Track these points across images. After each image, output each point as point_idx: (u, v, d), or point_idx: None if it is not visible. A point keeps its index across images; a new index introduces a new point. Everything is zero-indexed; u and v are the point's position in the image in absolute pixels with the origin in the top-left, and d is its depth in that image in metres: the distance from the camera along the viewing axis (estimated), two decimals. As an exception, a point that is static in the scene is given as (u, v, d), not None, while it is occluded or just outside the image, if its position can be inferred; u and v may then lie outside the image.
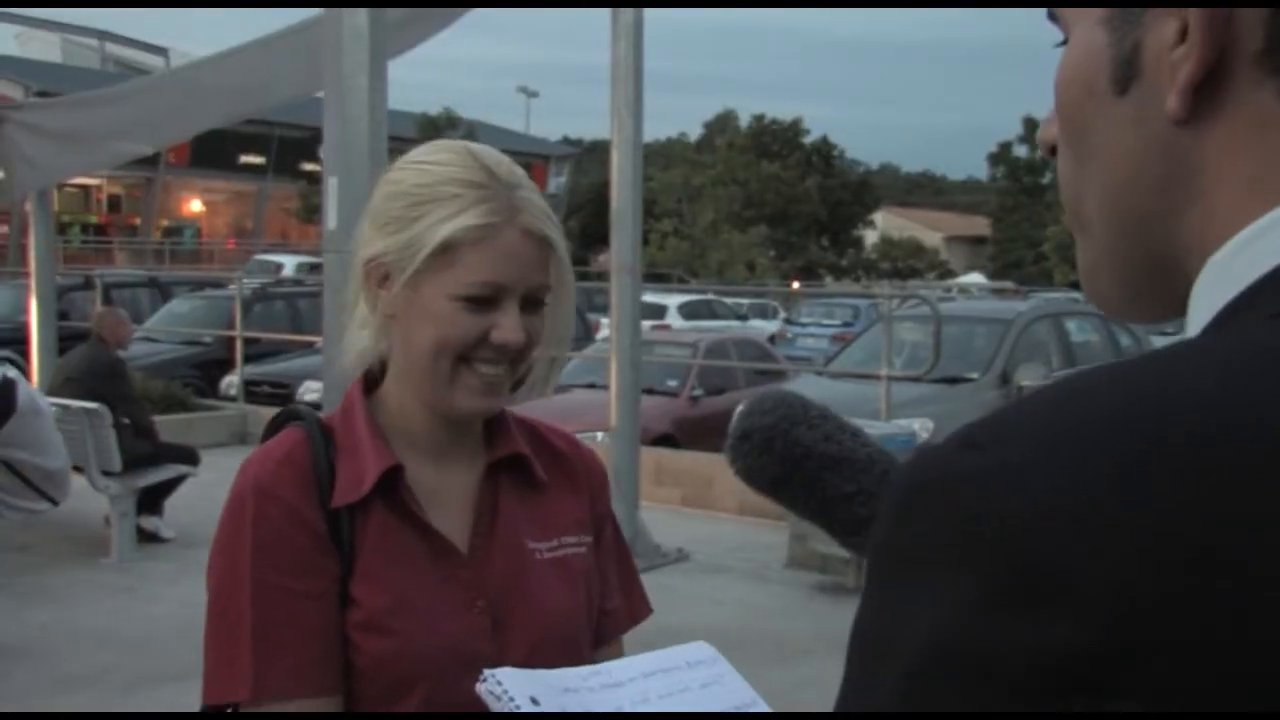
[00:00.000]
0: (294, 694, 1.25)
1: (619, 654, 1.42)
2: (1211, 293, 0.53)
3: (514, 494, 1.41)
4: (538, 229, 1.32)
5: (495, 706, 1.10)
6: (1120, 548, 0.43)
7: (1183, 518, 0.43)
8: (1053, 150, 0.61)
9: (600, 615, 1.44)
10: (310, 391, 10.78)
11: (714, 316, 21.73)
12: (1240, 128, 0.52)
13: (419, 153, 1.36)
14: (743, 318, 23.32)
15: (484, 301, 1.29)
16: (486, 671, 1.12)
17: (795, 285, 33.88)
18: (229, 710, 1.29)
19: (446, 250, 1.28)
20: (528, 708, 1.09)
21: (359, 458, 1.32)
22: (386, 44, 4.80)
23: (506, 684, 1.11)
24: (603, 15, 6.95)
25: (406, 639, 1.28)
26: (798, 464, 0.92)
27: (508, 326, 1.30)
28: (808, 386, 9.43)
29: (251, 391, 11.86)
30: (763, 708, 1.21)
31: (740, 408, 1.05)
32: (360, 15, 4.57)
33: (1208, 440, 0.44)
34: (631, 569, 1.54)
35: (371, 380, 1.40)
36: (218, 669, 1.27)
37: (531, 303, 1.33)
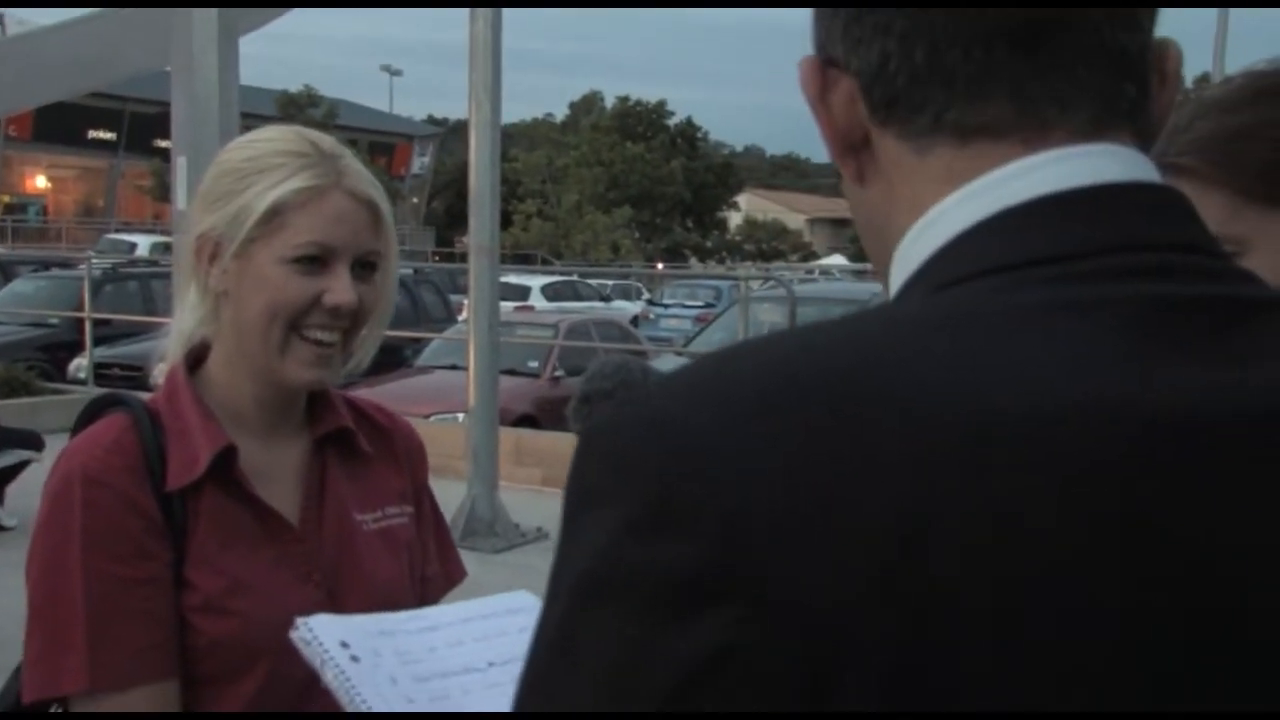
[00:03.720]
0: (132, 682, 1.25)
1: None
2: (898, 274, 0.63)
3: (340, 468, 1.44)
4: (363, 192, 1.36)
5: (306, 653, 1.15)
6: (736, 483, 0.51)
7: (793, 459, 0.51)
8: None
9: (422, 581, 1.49)
10: (164, 374, 10.49)
11: (578, 298, 21.76)
12: (887, 170, 0.64)
13: (247, 135, 1.41)
14: (606, 299, 23.39)
15: (314, 263, 1.32)
16: (298, 619, 1.16)
17: (659, 267, 34.09)
18: (54, 708, 1.28)
19: (275, 215, 1.31)
20: (336, 652, 1.14)
21: (189, 440, 1.32)
22: (237, 21, 4.73)
23: (317, 630, 1.16)
24: (461, -5, 6.90)
25: (245, 618, 1.29)
26: None
27: (339, 289, 1.32)
28: (667, 366, 9.57)
29: (102, 375, 11.50)
30: None
31: (583, 374, 1.13)
32: (208, -9, 4.49)
33: (826, 395, 0.52)
34: (446, 534, 1.59)
35: (193, 363, 1.40)
36: (45, 661, 1.26)
37: (363, 267, 1.36)
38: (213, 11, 4.46)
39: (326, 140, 1.39)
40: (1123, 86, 0.61)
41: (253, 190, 1.32)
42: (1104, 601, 0.49)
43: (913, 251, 0.62)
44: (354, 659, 1.15)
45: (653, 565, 0.51)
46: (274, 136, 1.37)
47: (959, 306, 0.56)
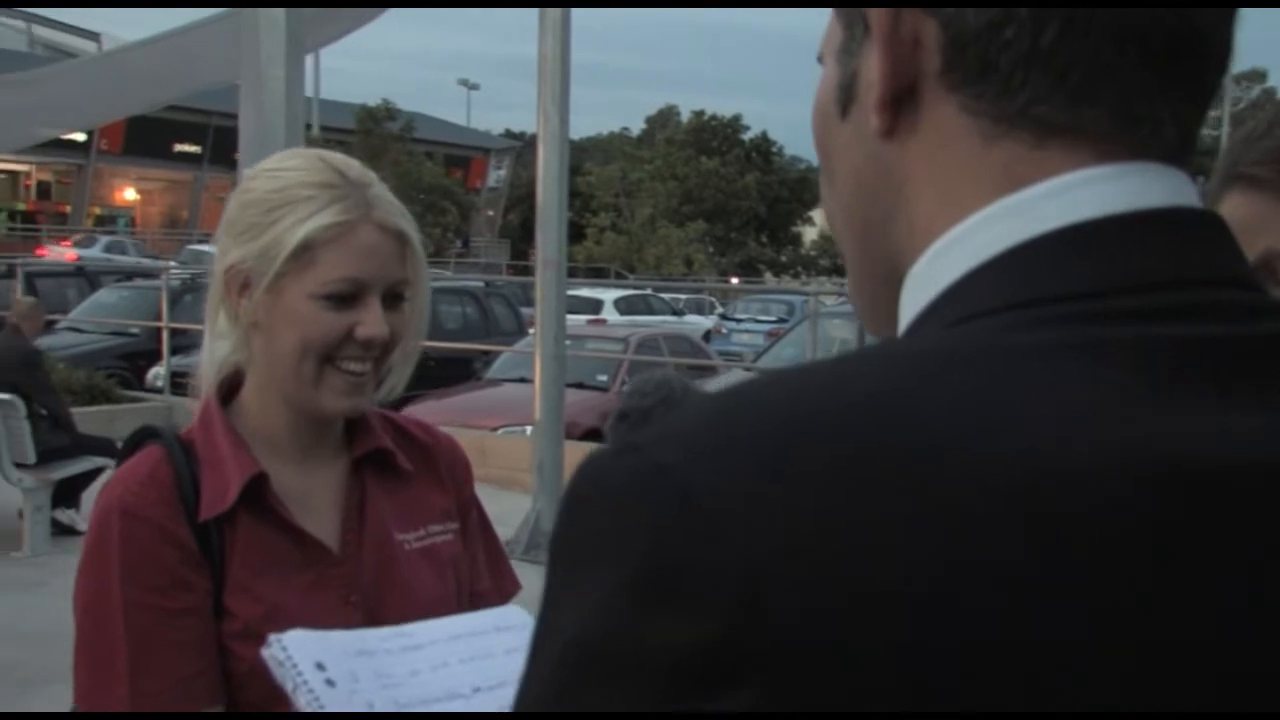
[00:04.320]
0: (175, 711, 1.26)
1: None
2: (911, 302, 0.56)
3: (380, 488, 1.43)
4: (392, 224, 1.35)
5: (278, 673, 1.10)
6: (748, 545, 0.44)
7: (812, 521, 0.45)
8: None
9: (472, 597, 1.47)
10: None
11: (650, 312, 21.76)
12: (931, 141, 0.55)
13: (270, 161, 1.39)
14: (679, 313, 23.38)
15: (345, 299, 1.32)
16: (272, 636, 1.12)
17: (734, 281, 34.01)
18: None
19: (305, 251, 1.30)
20: (310, 674, 1.08)
21: (222, 469, 1.33)
22: (304, 34, 4.76)
23: (291, 649, 1.10)
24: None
25: None
26: None
27: (370, 322, 1.32)
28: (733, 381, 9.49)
29: (179, 384, 11.70)
30: None
31: (625, 390, 1.07)
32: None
33: (846, 449, 0.46)
34: (497, 547, 1.58)
35: (228, 390, 1.41)
36: (92, 693, 1.27)
37: (392, 298, 1.35)
38: (281, 24, 4.49)
39: (354, 167, 1.37)
40: (1199, 126, 0.56)
41: (282, 225, 1.31)
42: (1143, 666, 0.45)
43: (930, 274, 0.55)
44: (329, 683, 1.09)
45: (653, 640, 0.45)
46: (299, 165, 1.35)
47: (974, 344, 0.50)
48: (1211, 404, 0.48)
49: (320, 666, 1.09)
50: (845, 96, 0.59)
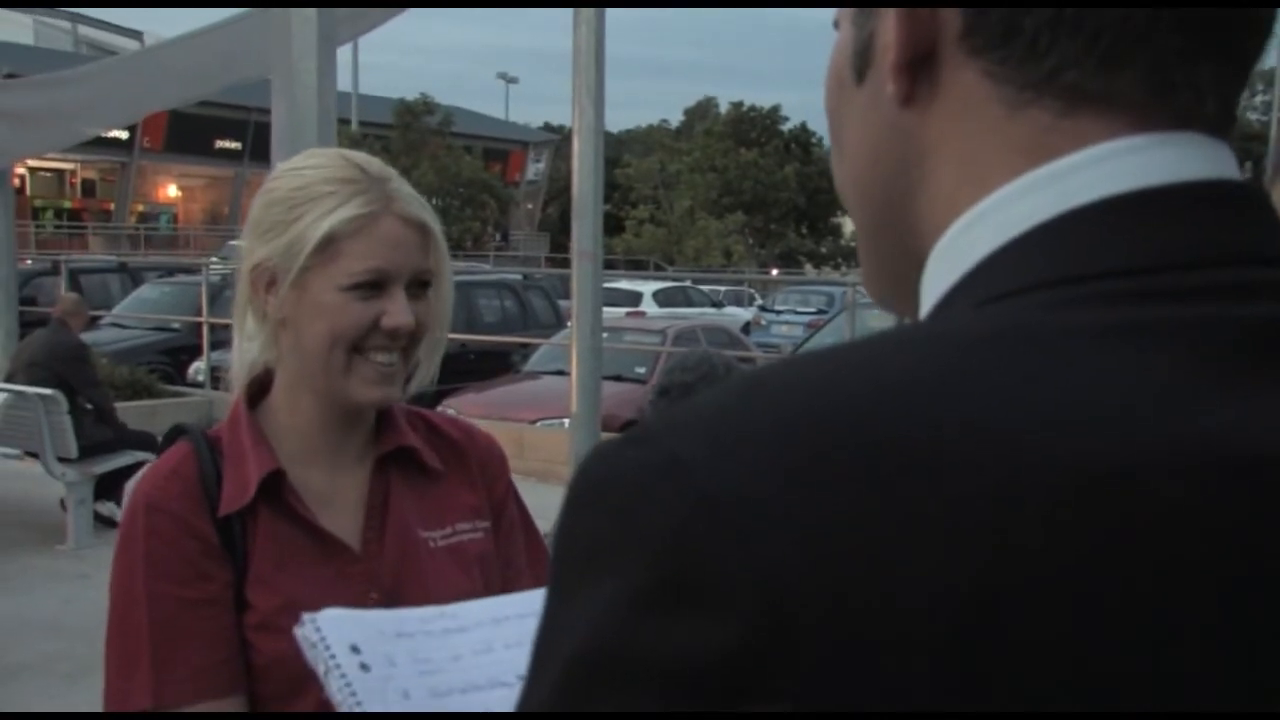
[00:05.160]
0: (194, 699, 1.28)
1: None
2: (935, 281, 0.52)
3: (405, 486, 1.44)
4: (414, 215, 1.37)
5: (310, 655, 1.06)
6: (772, 545, 0.41)
7: (838, 521, 0.41)
8: None
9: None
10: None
11: (689, 304, 21.73)
12: (952, 110, 0.52)
13: (292, 161, 1.41)
14: (718, 305, 23.32)
15: (371, 289, 1.34)
16: (305, 615, 1.10)
17: (774, 273, 33.87)
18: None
19: (329, 244, 1.32)
20: (344, 657, 1.04)
21: (243, 465, 1.36)
22: (335, 28, 4.76)
23: (325, 629, 1.06)
24: None
25: None
26: None
27: (396, 311, 1.34)
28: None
29: (219, 378, 11.79)
30: None
31: (666, 365, 1.02)
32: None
33: (874, 441, 0.43)
34: (538, 542, 1.57)
35: (259, 390, 1.43)
36: (118, 680, 1.31)
37: (417, 287, 1.37)
38: (312, 18, 4.49)
39: (374, 163, 1.40)
40: (1239, 96, 0.52)
41: (305, 220, 1.33)
42: (1208, 668, 0.41)
43: (956, 250, 0.51)
44: (363, 667, 1.04)
45: (669, 648, 0.42)
46: (320, 163, 1.37)
47: (1009, 326, 0.47)
48: (1270, 389, 0.45)
49: (355, 649, 1.05)
50: (861, 61, 0.56)
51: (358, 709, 1.02)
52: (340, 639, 1.05)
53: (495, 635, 1.15)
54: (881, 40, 0.54)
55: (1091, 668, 0.40)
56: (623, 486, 0.44)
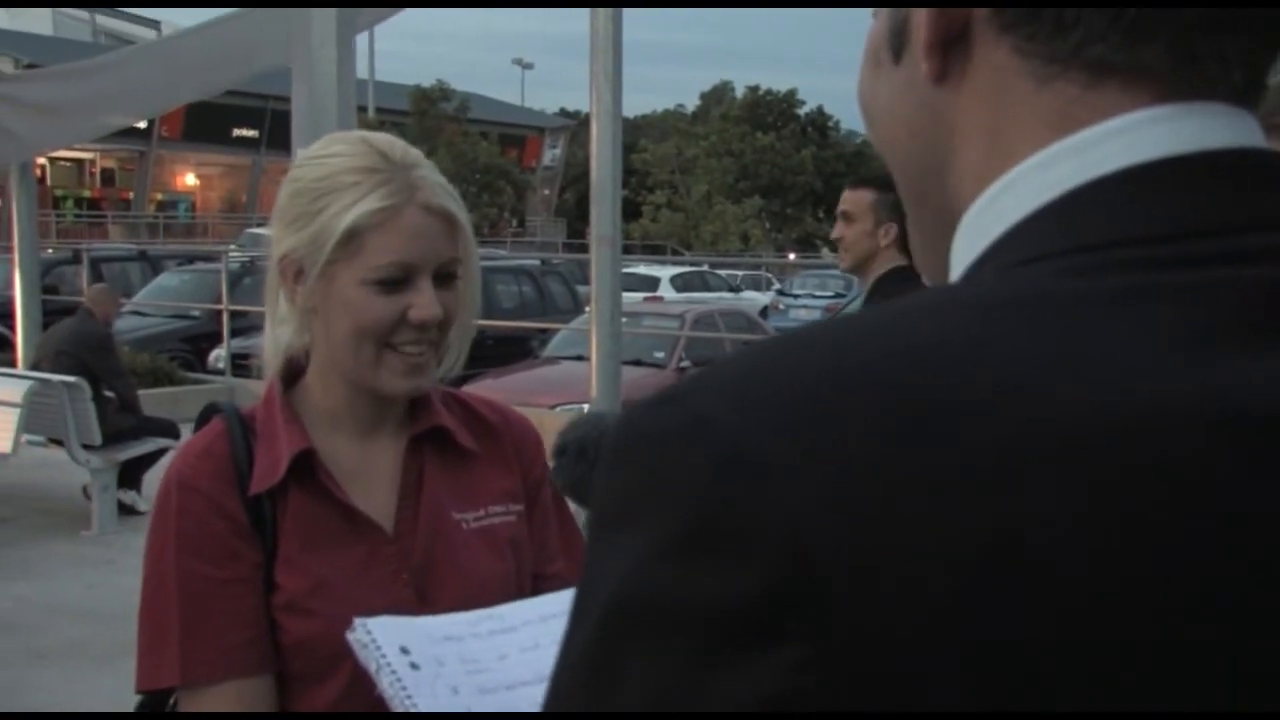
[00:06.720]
0: (221, 677, 1.29)
1: None
2: (965, 249, 0.54)
3: (438, 467, 1.43)
4: (438, 204, 1.35)
5: (362, 655, 1.09)
6: (797, 496, 0.43)
7: (859, 474, 0.43)
8: None
9: (545, 580, 1.46)
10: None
11: (707, 288, 21.71)
12: (983, 86, 0.54)
13: (316, 147, 1.39)
14: (736, 290, 23.29)
15: (396, 283, 1.33)
16: (356, 620, 1.12)
17: (791, 257, 33.79)
18: (172, 702, 1.35)
19: (352, 237, 1.31)
20: (394, 657, 1.08)
21: (275, 444, 1.35)
22: (355, 15, 4.77)
23: (376, 633, 1.10)
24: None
25: (328, 619, 1.30)
26: None
27: (423, 304, 1.33)
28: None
29: (240, 365, 11.85)
30: None
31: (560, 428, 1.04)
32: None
33: (894, 399, 0.44)
34: (571, 527, 1.57)
35: (295, 370, 1.43)
36: (148, 656, 1.32)
37: (444, 277, 1.36)
38: (331, 7, 4.50)
39: (397, 148, 1.37)
40: (1269, 67, 0.53)
41: (329, 212, 1.32)
42: (1217, 612, 0.43)
43: (984, 219, 0.53)
44: (413, 666, 1.09)
45: (697, 594, 0.43)
46: (343, 151, 1.35)
47: (1031, 290, 0.48)
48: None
49: (404, 650, 1.09)
50: (898, 42, 0.57)
51: (408, 702, 1.06)
52: (390, 641, 1.10)
53: (542, 632, 1.18)
54: (916, 20, 0.55)
55: (1104, 604, 0.42)
56: (652, 444, 0.46)
